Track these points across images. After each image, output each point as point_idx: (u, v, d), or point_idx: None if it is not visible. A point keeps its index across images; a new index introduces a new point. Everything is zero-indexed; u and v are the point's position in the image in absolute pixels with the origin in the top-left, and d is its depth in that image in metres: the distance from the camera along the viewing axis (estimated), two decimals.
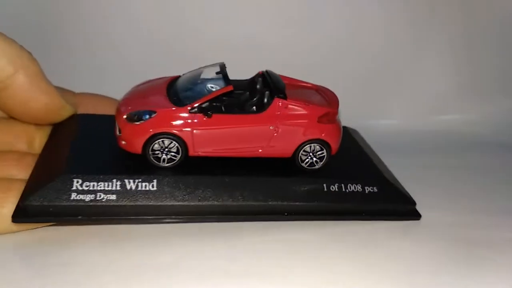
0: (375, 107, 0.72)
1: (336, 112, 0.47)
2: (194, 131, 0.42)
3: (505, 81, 0.72)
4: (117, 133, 0.44)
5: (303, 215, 0.45)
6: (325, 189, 0.46)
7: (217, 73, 0.46)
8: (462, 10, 0.69)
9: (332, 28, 0.68)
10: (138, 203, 0.41)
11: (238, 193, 0.43)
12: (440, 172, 0.50)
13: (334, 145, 0.47)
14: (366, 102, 0.64)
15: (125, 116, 0.43)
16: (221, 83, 0.45)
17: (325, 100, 0.48)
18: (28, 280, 0.35)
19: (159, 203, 0.41)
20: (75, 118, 0.49)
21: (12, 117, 0.48)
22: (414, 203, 0.48)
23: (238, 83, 0.49)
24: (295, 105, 0.45)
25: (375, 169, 0.50)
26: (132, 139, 0.42)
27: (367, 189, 0.47)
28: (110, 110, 0.50)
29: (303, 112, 0.45)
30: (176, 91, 0.45)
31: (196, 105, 0.42)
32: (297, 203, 0.44)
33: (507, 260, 0.41)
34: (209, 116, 0.42)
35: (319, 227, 0.45)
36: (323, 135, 0.45)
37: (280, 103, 0.44)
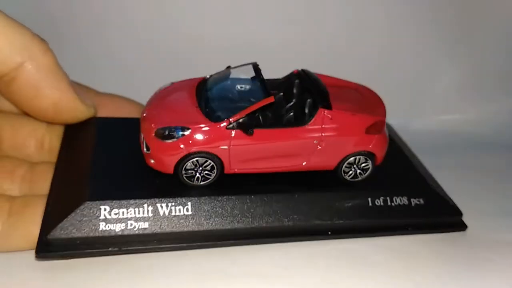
0: None
1: (384, 121, 0.42)
2: (232, 148, 0.38)
3: (506, 81, 0.71)
4: (145, 150, 0.39)
5: (348, 233, 0.41)
6: (370, 204, 0.42)
7: (252, 78, 0.41)
8: (463, 9, 0.67)
9: (332, 28, 0.67)
10: (173, 229, 0.37)
11: (279, 214, 0.40)
12: (440, 172, 0.48)
13: (380, 156, 0.43)
14: None
15: (154, 133, 0.38)
16: (258, 90, 0.40)
17: (370, 105, 0.43)
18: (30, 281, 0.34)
19: (195, 229, 0.38)
20: (92, 123, 0.44)
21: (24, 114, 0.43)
22: (460, 213, 0.45)
23: (270, 83, 0.45)
24: (341, 116, 0.40)
25: (419, 177, 0.47)
26: (163, 158, 0.38)
27: (414, 201, 0.44)
28: (132, 114, 0.46)
29: (352, 123, 0.40)
30: (208, 101, 0.40)
31: (233, 120, 0.38)
32: (341, 221, 0.41)
33: (508, 260, 0.40)
34: (250, 134, 0.38)
35: None
36: (370, 146, 0.41)
37: (325, 113, 0.39)
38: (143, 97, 0.44)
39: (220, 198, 0.39)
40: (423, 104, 0.70)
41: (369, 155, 0.42)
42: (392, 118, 0.62)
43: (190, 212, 0.38)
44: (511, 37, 0.69)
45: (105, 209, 0.36)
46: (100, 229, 0.35)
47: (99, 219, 0.36)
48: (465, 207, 0.44)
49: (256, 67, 0.42)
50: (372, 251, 0.40)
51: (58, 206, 0.37)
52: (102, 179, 0.38)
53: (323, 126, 0.39)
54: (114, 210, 0.36)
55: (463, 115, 0.70)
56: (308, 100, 0.41)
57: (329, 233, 0.41)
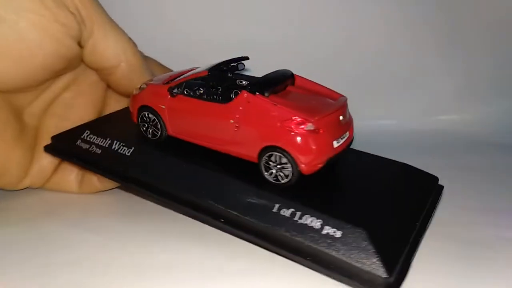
0: (375, 107, 0.74)
1: (310, 121, 0.37)
2: (167, 108, 0.43)
3: (503, 82, 0.74)
4: None
5: (239, 229, 0.38)
6: (275, 210, 0.37)
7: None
8: (460, 12, 0.72)
9: (332, 29, 0.71)
10: (114, 163, 0.45)
11: (184, 182, 0.41)
12: (438, 172, 0.45)
13: (303, 160, 0.37)
14: (366, 103, 0.65)
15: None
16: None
17: (316, 108, 0.39)
18: (28, 279, 0.37)
19: (127, 170, 0.44)
20: None
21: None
22: (389, 272, 0.32)
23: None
24: (260, 102, 0.38)
25: (361, 207, 0.37)
26: (130, 107, 0.47)
27: (327, 228, 0.35)
28: None
29: (268, 112, 0.38)
30: None
31: (173, 84, 0.43)
32: (234, 213, 0.38)
33: (507, 259, 0.41)
34: (172, 95, 0.42)
35: None
36: (281, 143, 0.37)
37: (245, 96, 0.39)
38: None
39: (154, 153, 0.44)
40: (422, 104, 0.72)
41: (287, 155, 0.37)
42: (392, 118, 0.72)
43: (129, 155, 0.45)
44: (507, 40, 0.71)
45: (87, 132, 0.48)
46: (77, 143, 0.48)
47: (80, 137, 0.48)
48: (462, 206, 0.45)
49: (239, 58, 0.45)
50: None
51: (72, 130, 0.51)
52: (104, 122, 0.51)
53: (241, 108, 0.39)
54: (90, 135, 0.48)
55: (461, 116, 0.72)
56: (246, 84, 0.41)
57: (221, 220, 0.39)
